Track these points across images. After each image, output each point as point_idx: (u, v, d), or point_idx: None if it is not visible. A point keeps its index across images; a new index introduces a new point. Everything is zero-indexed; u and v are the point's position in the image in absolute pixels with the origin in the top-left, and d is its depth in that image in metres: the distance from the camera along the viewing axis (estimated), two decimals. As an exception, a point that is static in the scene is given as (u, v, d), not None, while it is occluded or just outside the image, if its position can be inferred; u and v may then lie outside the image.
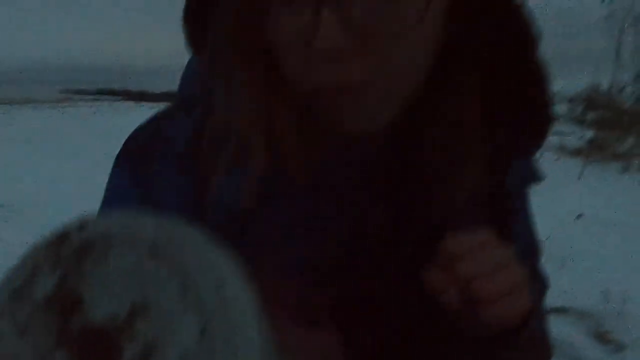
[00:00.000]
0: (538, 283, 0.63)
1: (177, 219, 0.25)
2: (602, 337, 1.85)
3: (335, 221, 0.47)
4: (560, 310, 2.04)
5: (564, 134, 5.24)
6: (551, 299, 2.12)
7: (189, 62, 0.54)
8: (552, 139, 4.96)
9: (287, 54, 0.41)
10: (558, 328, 1.93)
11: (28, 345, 0.21)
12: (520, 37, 0.44)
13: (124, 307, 0.20)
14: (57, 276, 0.22)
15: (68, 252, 0.23)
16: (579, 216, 2.97)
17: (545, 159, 4.12)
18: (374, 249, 0.47)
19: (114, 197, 0.50)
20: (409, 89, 0.42)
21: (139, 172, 0.48)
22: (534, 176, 0.59)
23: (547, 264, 2.22)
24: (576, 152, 4.40)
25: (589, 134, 4.75)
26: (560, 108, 7.44)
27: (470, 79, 0.46)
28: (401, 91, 0.42)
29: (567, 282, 2.26)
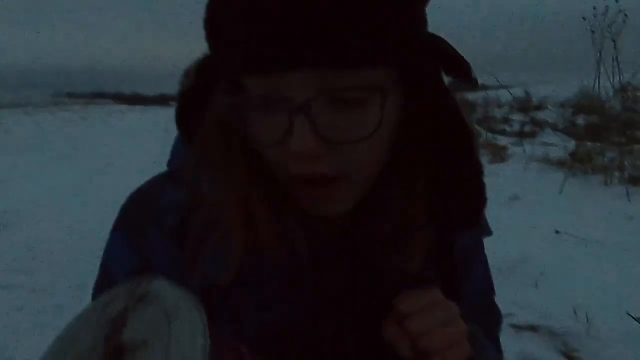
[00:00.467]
0: (492, 320, 0.73)
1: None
2: (568, 356, 1.95)
3: (303, 289, 0.55)
4: (532, 329, 2.14)
5: (549, 144, 5.35)
6: (523, 317, 2.23)
7: (178, 137, 0.63)
8: (537, 150, 5.06)
9: (267, 153, 0.49)
10: (528, 346, 2.03)
11: None
12: (462, 134, 0.52)
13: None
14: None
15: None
16: (557, 233, 3.06)
17: (530, 172, 4.23)
18: (336, 311, 0.57)
19: (115, 263, 0.57)
20: (370, 180, 0.52)
21: (136, 241, 0.55)
22: (485, 231, 0.70)
23: (521, 283, 2.34)
24: (560, 164, 4.49)
25: (573, 145, 4.84)
26: (548, 115, 7.56)
27: (417, 166, 0.54)
28: (364, 182, 0.51)
29: (539, 300, 2.36)
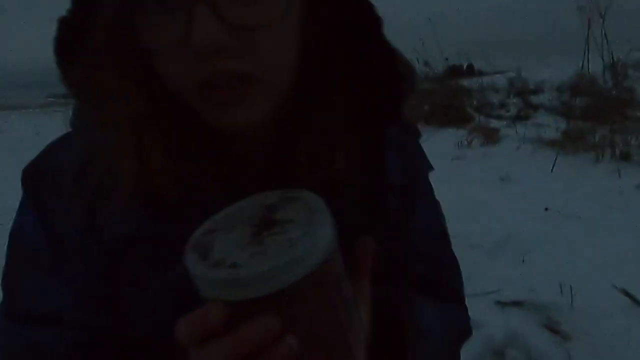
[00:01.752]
0: (442, 272, 0.67)
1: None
2: (551, 329, 1.95)
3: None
4: (517, 304, 2.14)
5: (543, 125, 5.32)
6: (509, 293, 2.23)
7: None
8: (530, 131, 5.04)
9: (165, 60, 0.44)
10: (512, 321, 2.03)
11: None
12: (369, 20, 0.50)
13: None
14: None
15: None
16: (546, 210, 3.05)
17: (522, 152, 4.23)
18: None
19: (22, 226, 0.54)
20: (283, 84, 0.48)
21: (38, 201, 0.52)
22: (428, 165, 0.67)
23: (509, 260, 2.35)
24: (552, 144, 4.47)
25: (569, 125, 4.83)
26: (543, 98, 7.52)
27: (332, 69, 0.51)
28: (277, 85, 0.47)
29: (526, 276, 2.36)
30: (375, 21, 0.50)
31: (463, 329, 0.69)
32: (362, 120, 0.54)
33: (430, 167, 0.68)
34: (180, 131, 0.49)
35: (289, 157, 0.52)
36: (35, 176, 0.54)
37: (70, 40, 0.48)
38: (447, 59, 7.95)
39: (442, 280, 0.67)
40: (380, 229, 0.57)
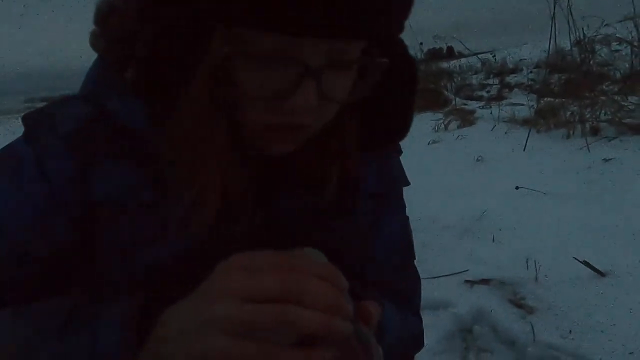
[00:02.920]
0: (405, 285, 0.71)
1: None
2: (516, 303, 2.02)
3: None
4: (484, 282, 2.20)
5: (518, 105, 5.39)
6: (478, 272, 2.29)
7: (95, 62, 0.57)
8: (504, 111, 5.10)
9: (255, 104, 0.49)
10: (480, 299, 2.10)
11: None
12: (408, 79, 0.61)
13: None
14: None
15: None
16: (517, 188, 3.12)
17: (496, 132, 4.27)
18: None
19: (13, 144, 0.55)
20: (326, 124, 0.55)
21: (35, 138, 0.53)
22: (404, 179, 0.72)
23: (479, 239, 2.41)
24: (525, 122, 4.53)
25: (541, 103, 4.88)
26: (521, 77, 7.59)
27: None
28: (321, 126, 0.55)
29: (495, 254, 2.43)
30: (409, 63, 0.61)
31: (418, 338, 0.73)
32: (371, 142, 0.62)
33: (406, 182, 0.73)
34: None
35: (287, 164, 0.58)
36: (37, 118, 0.55)
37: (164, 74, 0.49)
38: (421, 44, 7.98)
39: (403, 290, 0.71)
40: (348, 228, 0.63)
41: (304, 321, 0.37)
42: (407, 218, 0.73)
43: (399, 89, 0.61)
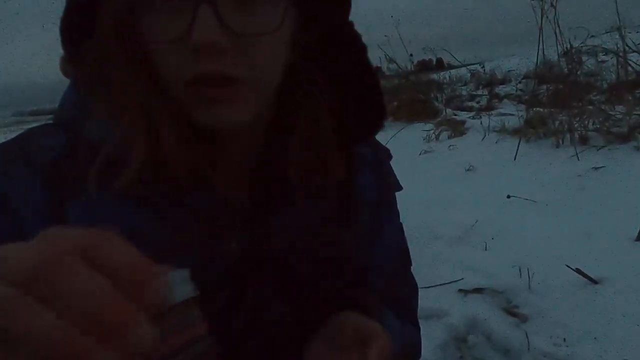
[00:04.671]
0: (403, 292, 0.70)
1: None
2: (510, 312, 2.02)
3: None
4: (478, 291, 2.20)
5: (507, 115, 5.43)
6: (471, 281, 2.29)
7: (69, 86, 0.57)
8: (494, 121, 5.14)
9: (165, 54, 0.46)
10: (473, 308, 2.09)
11: None
12: (355, 46, 0.56)
13: None
14: None
15: None
16: (508, 197, 3.14)
17: (487, 142, 4.30)
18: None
19: None
20: (272, 87, 0.52)
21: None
22: (397, 184, 0.71)
23: (472, 248, 2.41)
24: (515, 132, 4.57)
25: (530, 113, 4.93)
26: (510, 88, 7.67)
27: (318, 85, 0.56)
28: (264, 90, 0.51)
29: (488, 263, 2.43)
30: (361, 46, 0.56)
31: (416, 347, 0.72)
32: (344, 136, 0.58)
33: (399, 187, 0.72)
34: (180, 122, 0.50)
35: (278, 166, 0.55)
36: (9, 147, 0.52)
37: (76, 24, 0.49)
38: (411, 55, 8.07)
39: (401, 298, 0.70)
40: (348, 242, 0.61)
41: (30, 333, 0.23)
42: (402, 225, 0.72)
43: (359, 75, 0.58)
